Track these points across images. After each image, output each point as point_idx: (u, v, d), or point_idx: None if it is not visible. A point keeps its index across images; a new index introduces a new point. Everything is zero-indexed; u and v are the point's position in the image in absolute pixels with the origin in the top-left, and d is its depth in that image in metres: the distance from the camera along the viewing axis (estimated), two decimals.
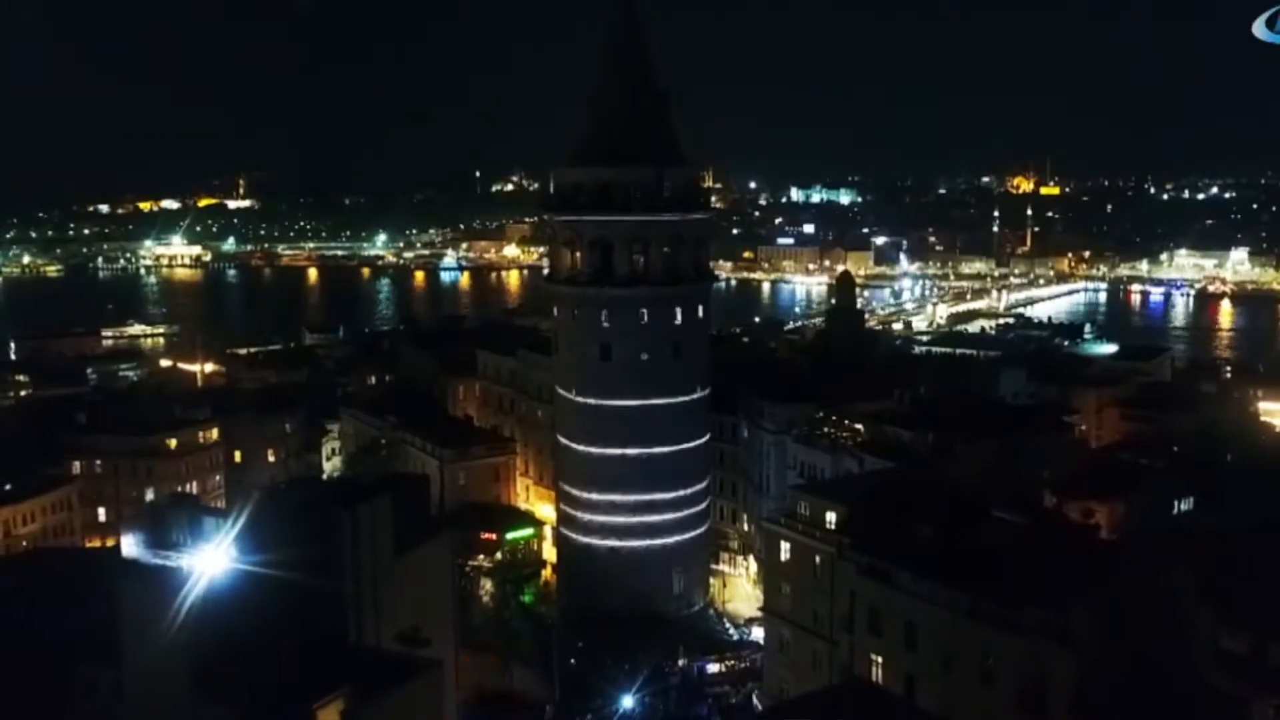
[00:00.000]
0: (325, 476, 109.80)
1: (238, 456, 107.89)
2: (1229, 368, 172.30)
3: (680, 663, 68.89)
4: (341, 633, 41.90)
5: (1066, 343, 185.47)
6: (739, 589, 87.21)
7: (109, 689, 41.55)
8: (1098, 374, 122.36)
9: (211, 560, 39.90)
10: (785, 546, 57.67)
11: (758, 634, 69.77)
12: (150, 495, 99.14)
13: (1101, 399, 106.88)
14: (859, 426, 74.01)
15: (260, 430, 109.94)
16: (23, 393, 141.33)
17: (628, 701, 61.76)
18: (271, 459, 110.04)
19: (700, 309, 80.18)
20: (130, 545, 46.73)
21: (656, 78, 77.44)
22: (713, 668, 69.45)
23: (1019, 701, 42.00)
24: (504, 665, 68.94)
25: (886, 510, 51.53)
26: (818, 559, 55.28)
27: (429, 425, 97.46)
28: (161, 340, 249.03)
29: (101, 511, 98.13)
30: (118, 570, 43.10)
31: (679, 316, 77.31)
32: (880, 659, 49.76)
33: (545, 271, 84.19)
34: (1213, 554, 51.57)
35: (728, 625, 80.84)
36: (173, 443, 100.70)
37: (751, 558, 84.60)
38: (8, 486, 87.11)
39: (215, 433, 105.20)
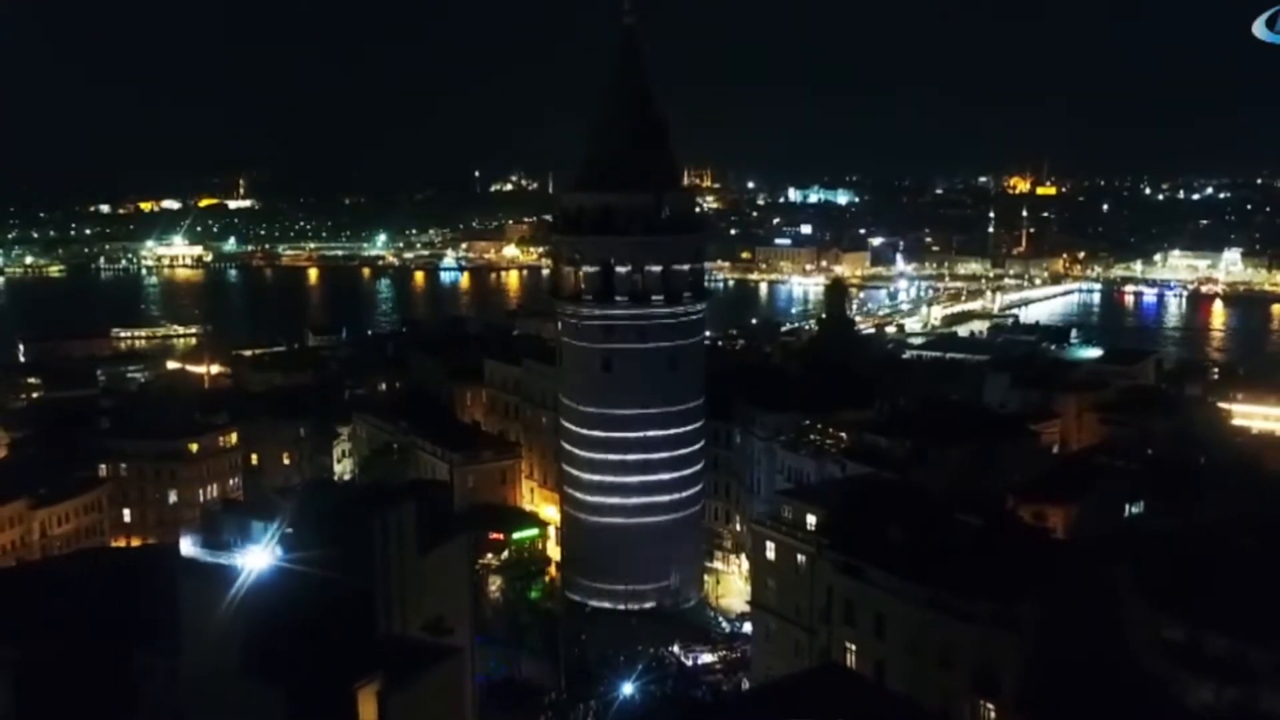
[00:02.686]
0: (337, 479, 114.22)
1: (254, 459, 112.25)
2: (1216, 370, 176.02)
3: (677, 653, 73.94)
4: (373, 623, 46.94)
5: (1053, 347, 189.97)
6: (732, 585, 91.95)
7: (165, 674, 46.51)
8: (1080, 379, 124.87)
9: (259, 559, 44.88)
10: (771, 546, 63.06)
11: (748, 627, 74.89)
12: (173, 497, 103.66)
13: (1082, 403, 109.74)
14: (842, 434, 79.25)
15: (275, 434, 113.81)
16: (34, 394, 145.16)
17: (627, 689, 65.81)
18: (286, 462, 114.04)
19: (695, 324, 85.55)
20: (188, 545, 52.09)
21: (656, 108, 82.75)
22: (706, 657, 74.68)
23: (974, 683, 47.46)
24: (513, 655, 74.12)
25: (860, 513, 56.97)
26: (800, 557, 60.49)
27: (439, 430, 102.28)
28: (194, 339, 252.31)
29: (126, 513, 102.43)
30: (178, 567, 48.22)
31: (676, 332, 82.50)
32: (854, 646, 55.13)
33: (551, 288, 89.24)
34: (1159, 552, 56.95)
35: (720, 619, 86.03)
36: (194, 447, 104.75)
37: (743, 556, 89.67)
38: (42, 490, 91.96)
39: (234, 437, 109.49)
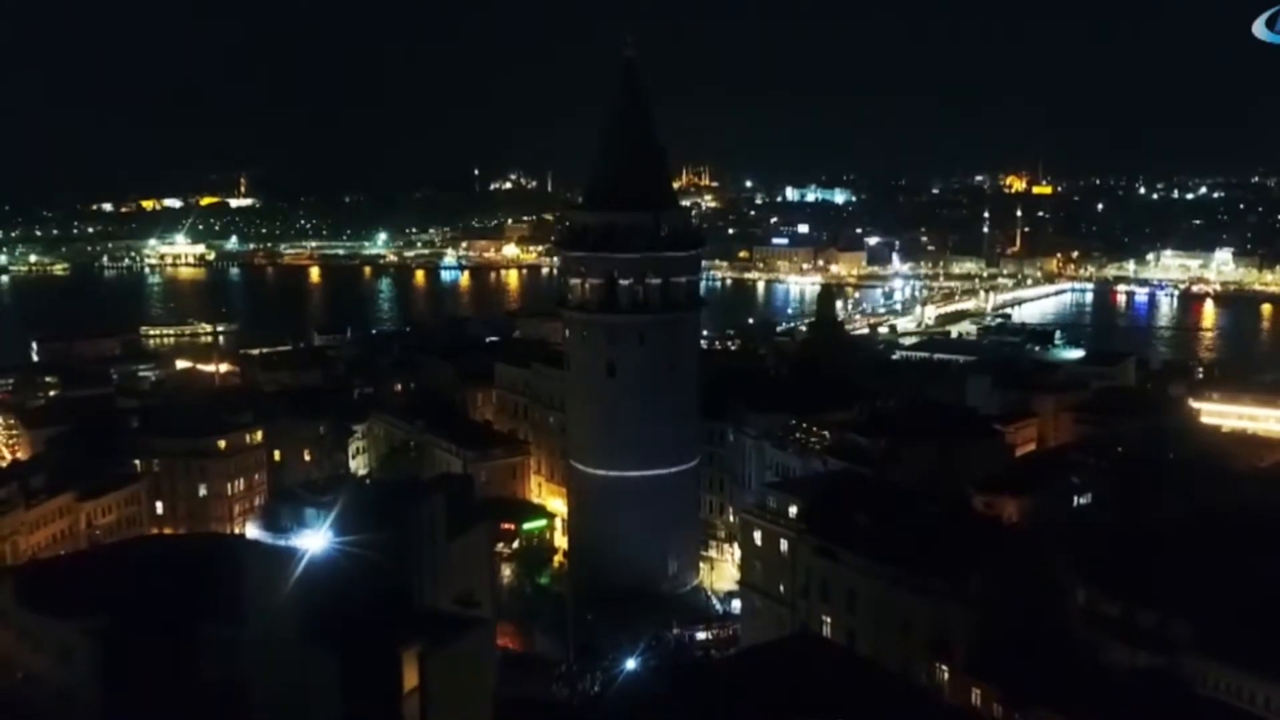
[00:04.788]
0: (351, 475, 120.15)
1: (277, 456, 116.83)
2: (1201, 370, 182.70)
3: (674, 631, 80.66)
4: (411, 597, 53.72)
5: (1037, 348, 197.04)
6: (726, 572, 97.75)
7: (225, 644, 53.08)
8: (1057, 380, 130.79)
9: (314, 541, 51.48)
10: (757, 533, 70.48)
11: (736, 605, 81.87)
12: (203, 491, 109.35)
13: (1059, 404, 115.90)
14: (825, 433, 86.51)
15: (297, 432, 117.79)
16: (51, 393, 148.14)
17: (630, 664, 71.82)
18: (307, 458, 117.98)
19: (691, 331, 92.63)
20: (253, 529, 58.91)
21: (654, 133, 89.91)
22: (701, 635, 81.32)
23: (930, 648, 54.77)
24: (527, 633, 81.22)
25: (835, 503, 64.39)
26: (783, 543, 67.62)
27: (453, 429, 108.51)
28: (221, 337, 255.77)
29: (159, 505, 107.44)
30: (246, 549, 55.29)
31: (673, 338, 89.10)
32: (829, 619, 62.39)
33: (559, 298, 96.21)
34: (1099, 539, 64.34)
35: (714, 601, 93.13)
36: (222, 444, 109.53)
37: (736, 545, 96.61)
38: (86, 484, 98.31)
39: (260, 435, 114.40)
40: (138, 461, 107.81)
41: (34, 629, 55.81)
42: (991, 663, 52.00)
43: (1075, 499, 73.91)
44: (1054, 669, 51.10)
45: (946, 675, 54.69)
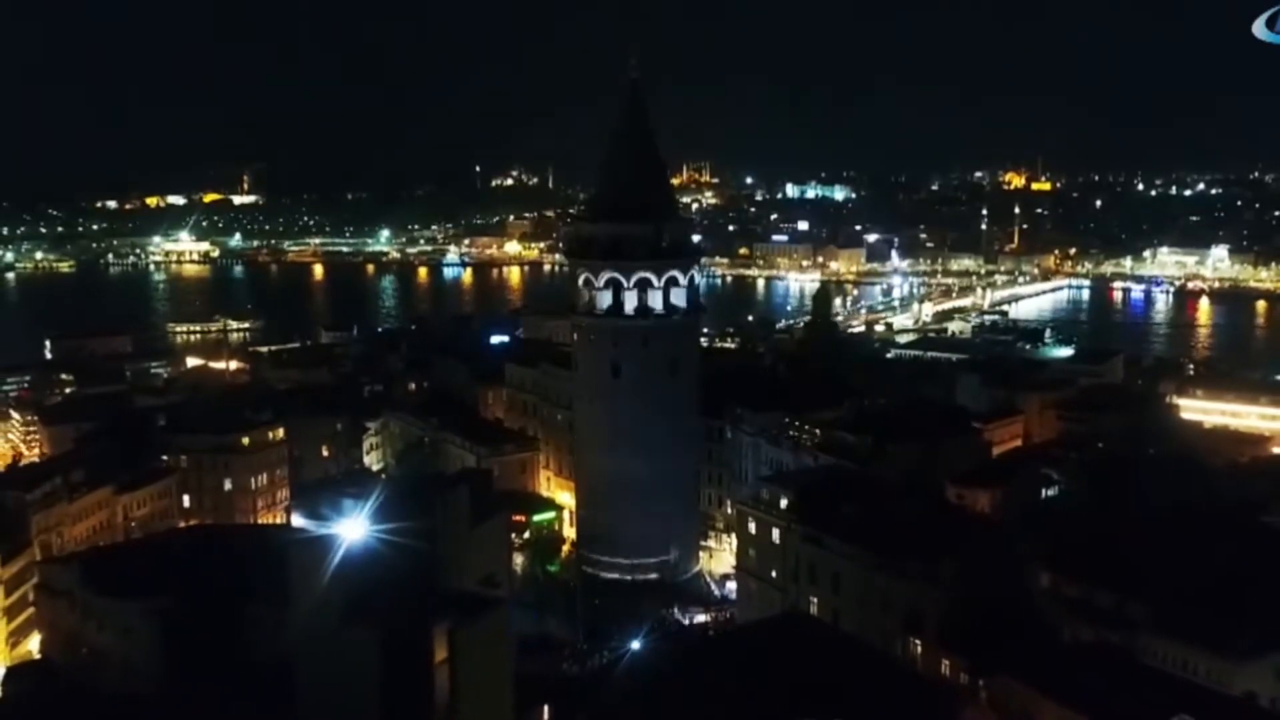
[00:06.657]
0: (368, 469, 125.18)
1: (294, 451, 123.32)
2: (1192, 366, 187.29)
3: (676, 615, 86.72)
4: (438, 580, 59.14)
5: (1028, 346, 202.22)
6: (725, 561, 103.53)
7: (270, 623, 58.46)
8: (1043, 379, 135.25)
9: (352, 529, 56.85)
10: (752, 523, 76.52)
11: (732, 588, 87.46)
12: (227, 485, 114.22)
13: (1044, 401, 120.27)
14: (817, 430, 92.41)
15: (314, 429, 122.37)
16: (67, 390, 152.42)
17: (635, 644, 77.93)
18: (325, 454, 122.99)
19: (691, 335, 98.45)
20: (297, 519, 64.46)
21: (656, 150, 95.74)
22: (701, 618, 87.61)
23: (905, 625, 60.72)
24: (540, 615, 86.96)
25: (823, 496, 70.45)
26: (774, 531, 73.66)
27: (466, 426, 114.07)
28: (246, 334, 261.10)
29: (186, 499, 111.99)
30: (290, 536, 61.01)
31: (674, 341, 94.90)
32: (816, 600, 68.38)
33: (568, 304, 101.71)
34: (1063, 528, 70.11)
35: (713, 586, 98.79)
36: (246, 441, 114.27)
37: (734, 535, 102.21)
38: (122, 478, 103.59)
39: (280, 432, 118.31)
40: (165, 457, 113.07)
41: (99, 609, 61.68)
42: (960, 637, 57.68)
43: (1045, 491, 79.70)
44: (1017, 643, 56.71)
45: (920, 648, 60.38)
